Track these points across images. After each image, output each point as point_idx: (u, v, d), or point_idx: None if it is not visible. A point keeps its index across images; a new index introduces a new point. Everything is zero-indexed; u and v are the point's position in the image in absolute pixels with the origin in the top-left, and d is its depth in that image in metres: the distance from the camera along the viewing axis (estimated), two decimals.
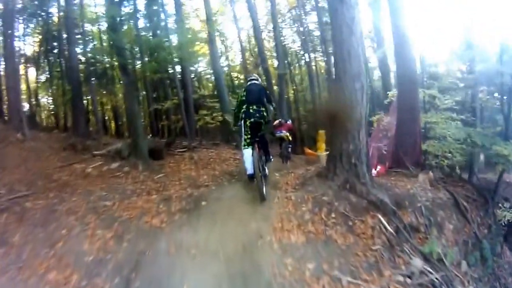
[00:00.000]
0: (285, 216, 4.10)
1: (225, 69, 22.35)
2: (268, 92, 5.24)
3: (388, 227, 4.13)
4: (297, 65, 23.79)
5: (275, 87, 16.87)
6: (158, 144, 8.84)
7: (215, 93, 17.32)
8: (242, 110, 4.83)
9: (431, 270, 3.64)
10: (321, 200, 4.40)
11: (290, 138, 8.94)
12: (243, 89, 5.13)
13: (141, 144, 6.87)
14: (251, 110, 4.74)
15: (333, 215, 4.17)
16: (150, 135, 18.44)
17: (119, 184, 5.61)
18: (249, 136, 4.78)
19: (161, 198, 4.77)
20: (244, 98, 4.89)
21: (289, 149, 8.81)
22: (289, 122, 9.61)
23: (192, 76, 23.12)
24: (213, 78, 17.79)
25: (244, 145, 4.79)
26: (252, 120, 4.73)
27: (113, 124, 24.82)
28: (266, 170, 5.26)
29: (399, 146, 7.34)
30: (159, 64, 8.42)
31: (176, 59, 10.02)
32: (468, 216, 5.23)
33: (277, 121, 8.88)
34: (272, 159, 5.80)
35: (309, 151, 12.10)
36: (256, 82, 5.18)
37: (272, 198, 4.66)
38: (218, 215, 4.16)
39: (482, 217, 5.57)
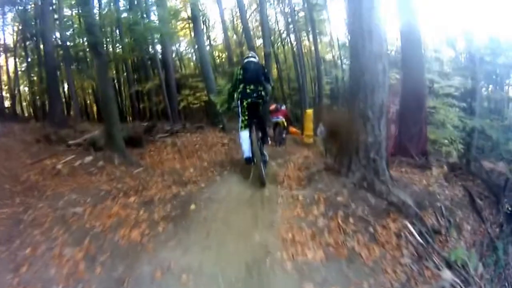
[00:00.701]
0: (295, 223, 3.32)
1: (207, 48, 21.23)
2: (266, 70, 4.90)
3: (415, 234, 3.48)
4: (280, 44, 23.48)
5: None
6: (137, 130, 7.81)
7: (197, 72, 16.23)
8: (239, 90, 4.51)
9: (458, 281, 3.09)
10: (335, 201, 3.64)
11: (285, 124, 8.52)
12: (239, 68, 4.72)
13: (116, 134, 5.84)
14: (248, 90, 4.45)
15: (351, 220, 3.44)
16: (131, 119, 17.26)
17: (92, 183, 4.63)
18: (246, 118, 4.48)
19: (140, 201, 3.87)
20: (240, 77, 4.55)
21: (284, 135, 8.39)
22: (284, 107, 9.11)
23: (174, 56, 22.00)
24: (194, 57, 16.62)
25: (241, 127, 4.49)
26: (249, 100, 4.44)
27: (94, 109, 23.71)
28: (266, 155, 4.91)
29: (403, 133, 6.80)
30: (137, 41, 7.42)
31: (156, 37, 8.96)
32: (483, 214, 4.74)
33: (273, 106, 8.54)
34: (270, 142, 5.49)
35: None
36: (253, 60, 4.77)
37: (274, 197, 3.89)
38: (212, 223, 3.32)
39: (494, 215, 5.13)
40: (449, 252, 3.41)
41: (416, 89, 6.73)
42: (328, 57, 22.71)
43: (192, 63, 25.48)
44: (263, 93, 4.56)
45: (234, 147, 6.88)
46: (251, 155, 4.38)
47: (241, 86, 4.52)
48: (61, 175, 4.96)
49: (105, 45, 13.12)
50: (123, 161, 5.47)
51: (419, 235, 3.47)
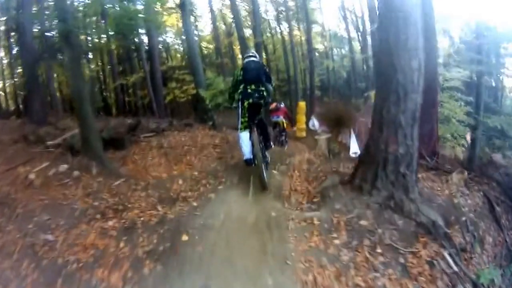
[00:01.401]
0: (314, 258, 2.67)
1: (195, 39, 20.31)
2: (267, 70, 4.73)
3: (449, 260, 2.92)
4: (269, 34, 22.49)
5: None
6: (119, 129, 6.94)
7: (184, 64, 15.27)
8: (239, 91, 4.31)
9: None
10: (358, 227, 3.03)
11: (286, 124, 8.02)
12: (240, 68, 4.54)
13: (93, 139, 4.99)
14: (249, 90, 4.26)
15: (379, 250, 2.85)
16: (116, 113, 16.16)
17: (66, 199, 3.81)
18: (246, 119, 4.30)
19: (121, 227, 3.16)
20: (241, 77, 4.35)
21: (284, 136, 7.91)
22: (283, 105, 8.48)
23: (160, 47, 20.88)
24: (182, 48, 15.62)
25: (241, 128, 4.33)
26: (250, 101, 4.25)
27: None
28: (268, 157, 4.69)
29: None
30: (122, 29, 6.60)
31: (141, 26, 8.05)
32: (501, 222, 4.33)
33: (274, 105, 8.04)
34: (273, 146, 5.15)
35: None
36: (254, 59, 4.53)
37: (283, 220, 3.23)
38: (210, 262, 2.62)
39: (510, 221, 4.71)
40: (476, 274, 3.00)
41: (428, 83, 6.09)
42: (319, 47, 21.91)
43: (179, 55, 24.42)
44: (264, 93, 4.33)
45: (228, 149, 6.15)
46: (251, 157, 4.17)
47: (242, 86, 4.31)
48: (33, 187, 4.15)
49: (85, 35, 12.04)
50: (101, 170, 4.66)
51: (450, 259, 2.97)
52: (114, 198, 3.83)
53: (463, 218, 3.58)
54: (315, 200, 3.66)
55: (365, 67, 19.98)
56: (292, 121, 9.18)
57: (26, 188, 4.09)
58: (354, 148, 10.20)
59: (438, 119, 6.30)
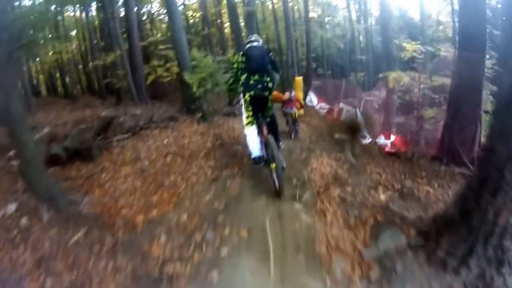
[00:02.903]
0: None
1: (180, 8, 18.64)
2: (272, 56, 4.04)
3: None
4: (258, 1, 20.60)
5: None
6: (85, 135, 5.27)
7: (168, 35, 13.15)
8: (241, 82, 3.79)
9: None
10: None
11: (297, 114, 7.35)
12: (241, 54, 3.89)
13: (34, 164, 3.31)
14: (251, 81, 3.73)
15: None
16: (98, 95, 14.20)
17: (13, 271, 2.37)
18: (251, 113, 3.80)
19: None
20: (243, 65, 3.80)
21: (298, 127, 7.27)
22: (293, 94, 7.51)
23: (144, 18, 18.51)
24: (167, 18, 13.35)
25: (247, 124, 3.84)
26: (252, 93, 3.73)
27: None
28: (283, 161, 3.52)
29: (454, 132, 5.11)
30: None
31: None
32: None
33: (286, 95, 7.11)
34: (282, 146, 4.40)
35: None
36: (257, 45, 3.95)
37: None
38: None
39: None
40: None
41: (474, 77, 4.79)
42: (313, 16, 19.77)
43: (163, 25, 21.95)
44: (269, 84, 3.78)
45: (224, 159, 4.63)
46: (261, 154, 3.71)
47: (244, 76, 3.79)
48: None
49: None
50: (54, 215, 3.11)
51: None
52: (71, 274, 2.36)
53: None
54: (372, 274, 2.27)
55: (361, 38, 18.23)
56: (303, 106, 8.38)
57: None
58: (362, 132, 8.84)
59: (481, 119, 5.00)
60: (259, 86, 3.72)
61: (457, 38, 6.06)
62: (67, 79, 20.99)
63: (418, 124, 6.54)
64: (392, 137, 7.09)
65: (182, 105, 7.64)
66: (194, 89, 6.79)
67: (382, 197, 3.65)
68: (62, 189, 3.65)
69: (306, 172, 4.26)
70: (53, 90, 22.82)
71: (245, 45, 4.08)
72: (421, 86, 6.62)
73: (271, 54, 3.99)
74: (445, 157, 5.09)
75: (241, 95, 3.84)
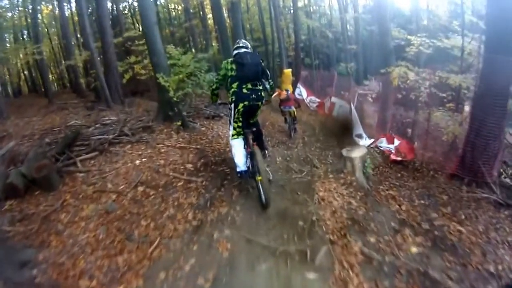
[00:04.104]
0: None
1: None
2: (264, 63, 3.54)
3: None
4: None
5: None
6: (44, 160, 4.06)
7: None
8: (233, 90, 3.36)
9: None
10: None
11: (296, 112, 7.24)
12: (231, 61, 3.45)
13: None
14: (244, 90, 3.33)
15: None
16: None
17: None
18: (240, 124, 3.42)
19: None
20: (233, 73, 3.37)
21: (296, 125, 7.26)
22: (290, 92, 7.61)
23: (126, 12, 16.87)
24: None
25: (233, 135, 3.46)
26: (246, 103, 3.34)
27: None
28: (270, 173, 3.72)
29: (476, 147, 4.25)
30: None
31: None
32: None
33: (284, 94, 7.16)
34: (268, 155, 4.15)
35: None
36: (247, 50, 3.54)
37: None
38: None
39: None
40: None
41: (503, 84, 3.81)
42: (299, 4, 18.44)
43: None
44: (262, 93, 3.44)
45: (210, 186, 3.57)
46: (246, 168, 3.32)
47: (235, 85, 3.35)
48: None
49: None
50: None
51: None
52: None
53: None
54: None
55: (349, 27, 17.11)
56: (299, 105, 7.90)
57: None
58: (358, 130, 7.87)
59: (504, 134, 4.15)
60: (253, 95, 3.33)
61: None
62: (50, 77, 19.58)
63: (427, 128, 5.63)
64: (397, 142, 6.14)
65: (158, 112, 6.41)
66: (171, 93, 5.59)
67: (414, 250, 2.71)
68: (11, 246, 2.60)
69: (312, 207, 3.26)
70: (34, 89, 21.06)
71: (233, 50, 3.67)
72: (427, 83, 5.67)
73: (262, 61, 3.54)
74: (466, 176, 4.23)
75: (232, 105, 3.38)
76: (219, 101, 3.86)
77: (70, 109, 9.81)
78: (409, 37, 6.98)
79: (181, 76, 5.82)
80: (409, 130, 8.01)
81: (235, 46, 3.68)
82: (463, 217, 3.51)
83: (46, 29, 19.89)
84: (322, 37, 18.42)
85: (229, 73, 3.41)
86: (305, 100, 12.41)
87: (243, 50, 3.52)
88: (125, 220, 3.12)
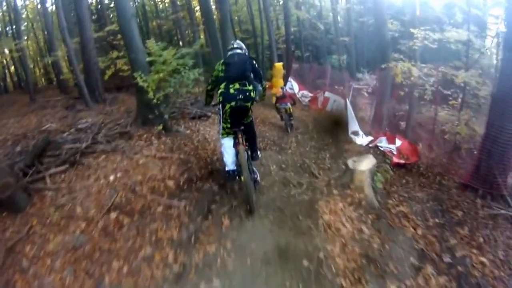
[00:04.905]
0: None
1: None
2: (256, 64, 3.29)
3: None
4: None
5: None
6: (8, 178, 3.31)
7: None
8: (220, 91, 3.15)
9: None
10: None
11: (292, 109, 7.18)
12: (221, 62, 3.30)
13: None
14: (231, 90, 3.10)
15: None
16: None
17: None
18: (228, 125, 3.24)
19: None
20: (222, 74, 3.22)
21: (291, 121, 7.09)
22: (285, 89, 7.73)
23: (112, 5, 15.70)
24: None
25: (223, 134, 3.29)
26: (233, 104, 3.09)
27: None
28: (257, 173, 3.42)
29: (493, 156, 3.79)
30: None
31: None
32: None
33: (280, 92, 7.19)
34: (260, 156, 3.74)
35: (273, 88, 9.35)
36: (239, 51, 3.33)
37: None
38: None
39: None
40: None
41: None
42: None
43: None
44: (252, 93, 3.11)
45: (195, 212, 2.93)
46: (235, 168, 3.15)
47: (223, 85, 3.14)
48: None
49: None
50: None
51: None
52: None
53: None
54: None
55: (339, 18, 16.30)
56: (295, 102, 7.76)
57: None
58: (354, 127, 7.30)
59: None
60: (240, 96, 3.07)
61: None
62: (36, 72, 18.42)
63: (434, 129, 5.08)
64: (398, 142, 5.58)
65: (137, 115, 5.63)
66: (150, 94, 4.83)
67: None
68: None
69: (318, 238, 2.65)
70: (20, 85, 19.74)
71: (227, 52, 3.50)
72: (432, 80, 5.10)
73: (254, 62, 3.28)
74: (481, 188, 3.73)
75: (220, 105, 3.18)
76: (212, 103, 3.59)
77: (49, 109, 8.94)
78: (412, 30, 6.34)
79: (161, 75, 5.05)
80: (403, 123, 7.54)
81: (229, 48, 3.49)
82: (481, 240, 3.08)
83: (31, 24, 18.80)
84: (313, 29, 17.58)
85: (220, 74, 3.25)
86: (297, 95, 11.74)
87: (236, 51, 3.32)
88: (95, 260, 2.47)
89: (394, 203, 3.55)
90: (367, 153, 4.87)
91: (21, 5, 17.97)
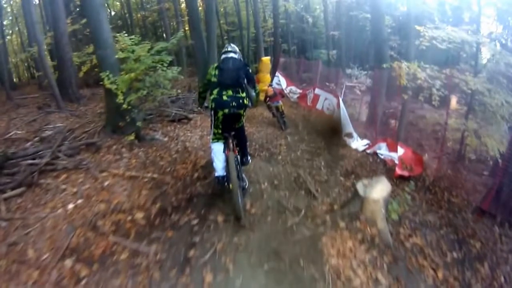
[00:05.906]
0: None
1: None
2: (250, 70, 3.15)
3: None
4: None
5: None
6: None
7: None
8: (213, 97, 3.00)
9: None
10: None
11: (283, 107, 7.00)
12: (214, 66, 3.15)
13: None
14: (224, 97, 2.96)
15: None
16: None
17: None
18: (220, 131, 3.12)
19: None
20: (215, 79, 3.02)
21: (284, 118, 6.92)
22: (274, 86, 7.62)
23: None
24: None
25: (213, 139, 3.18)
26: (225, 111, 2.97)
27: None
28: (246, 180, 3.35)
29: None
30: None
31: None
32: None
33: (270, 91, 6.93)
34: (250, 161, 3.55)
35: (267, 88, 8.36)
36: (234, 55, 3.17)
37: None
38: None
39: None
40: None
41: None
42: None
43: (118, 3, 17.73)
44: (245, 101, 3.00)
45: (169, 263, 2.23)
46: (224, 174, 3.02)
47: (216, 91, 2.98)
48: None
49: None
50: None
51: None
52: None
53: None
54: None
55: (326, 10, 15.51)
56: (283, 96, 7.86)
57: None
58: (348, 128, 6.68)
59: None
60: (233, 103, 2.94)
61: None
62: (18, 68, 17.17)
63: (442, 139, 4.52)
64: (401, 150, 4.99)
65: (106, 122, 4.79)
66: (120, 97, 4.02)
67: None
68: None
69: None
70: (1, 81, 18.22)
71: (221, 55, 3.29)
72: (438, 83, 4.52)
73: (248, 68, 3.11)
74: (499, 214, 3.22)
75: (212, 111, 3.04)
76: (205, 104, 3.39)
77: (23, 108, 7.87)
78: (417, 27, 5.71)
79: (133, 75, 4.23)
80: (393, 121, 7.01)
81: (223, 51, 3.30)
82: (502, 279, 2.61)
83: (15, 19, 17.47)
84: (301, 22, 16.75)
85: (212, 79, 3.05)
86: (285, 90, 11.00)
87: (230, 55, 3.14)
88: None
89: (406, 232, 2.97)
90: (379, 175, 4.17)
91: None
